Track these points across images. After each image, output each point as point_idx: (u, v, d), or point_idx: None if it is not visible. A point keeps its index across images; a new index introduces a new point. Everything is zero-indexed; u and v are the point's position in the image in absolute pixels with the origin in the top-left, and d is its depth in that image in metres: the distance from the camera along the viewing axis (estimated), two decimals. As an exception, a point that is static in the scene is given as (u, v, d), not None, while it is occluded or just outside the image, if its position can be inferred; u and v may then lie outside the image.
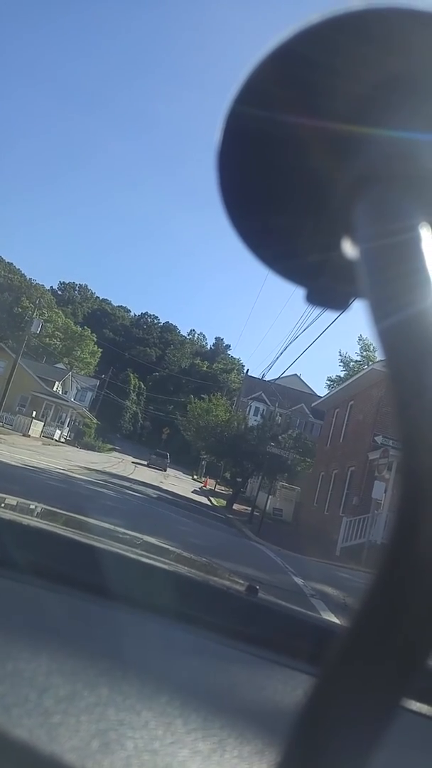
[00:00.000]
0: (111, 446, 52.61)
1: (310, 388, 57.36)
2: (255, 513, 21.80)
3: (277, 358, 33.71)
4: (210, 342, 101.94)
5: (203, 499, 26.86)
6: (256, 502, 24.17)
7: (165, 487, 25.18)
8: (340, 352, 50.10)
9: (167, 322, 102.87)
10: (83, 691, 0.49)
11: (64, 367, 56.93)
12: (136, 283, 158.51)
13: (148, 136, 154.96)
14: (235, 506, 25.67)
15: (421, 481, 0.19)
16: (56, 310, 74.89)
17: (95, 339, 75.21)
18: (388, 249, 0.22)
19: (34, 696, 0.46)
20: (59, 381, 48.72)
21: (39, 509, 1.36)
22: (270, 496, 22.15)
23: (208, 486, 38.76)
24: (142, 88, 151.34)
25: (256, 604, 0.90)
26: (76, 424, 49.21)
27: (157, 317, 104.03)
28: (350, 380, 23.35)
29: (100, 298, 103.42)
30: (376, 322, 0.21)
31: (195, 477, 48.73)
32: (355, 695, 0.20)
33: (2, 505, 1.23)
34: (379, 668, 0.19)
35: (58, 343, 67.73)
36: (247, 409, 60.25)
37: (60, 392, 48.58)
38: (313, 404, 32.27)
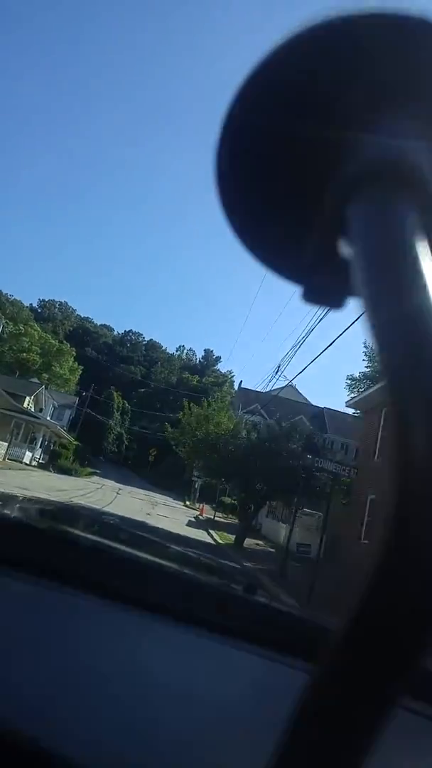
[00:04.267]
0: (91, 470, 46.45)
1: (305, 399, 52.01)
2: (269, 548, 15.89)
3: (284, 367, 27.85)
4: (199, 355, 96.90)
5: (202, 535, 20.76)
6: (262, 532, 18.36)
7: (152, 523, 19.14)
8: (365, 344, 44.58)
9: (151, 339, 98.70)
10: (79, 689, 0.50)
11: (39, 381, 50.64)
12: (119, 302, 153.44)
13: (137, 149, 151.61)
14: (256, 544, 19.73)
15: (416, 481, 0.19)
16: (32, 324, 69.41)
17: (74, 354, 69.63)
18: (382, 247, 0.22)
19: (32, 695, 0.47)
20: (30, 396, 42.55)
21: (31, 503, 1.31)
22: (290, 527, 15.97)
23: (204, 514, 32.57)
24: (131, 95, 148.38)
25: (254, 603, 0.92)
26: (51, 445, 43.01)
27: (141, 335, 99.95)
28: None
29: (82, 316, 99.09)
30: (371, 319, 0.21)
31: (188, 503, 42.57)
32: (351, 693, 0.20)
33: None
34: (374, 666, 0.19)
35: (36, 358, 61.98)
36: (242, 425, 54.76)
37: (32, 409, 42.47)
38: (347, 402, 25.84)
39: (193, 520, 28.12)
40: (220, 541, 19.44)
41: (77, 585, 0.69)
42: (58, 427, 43.77)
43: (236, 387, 57.50)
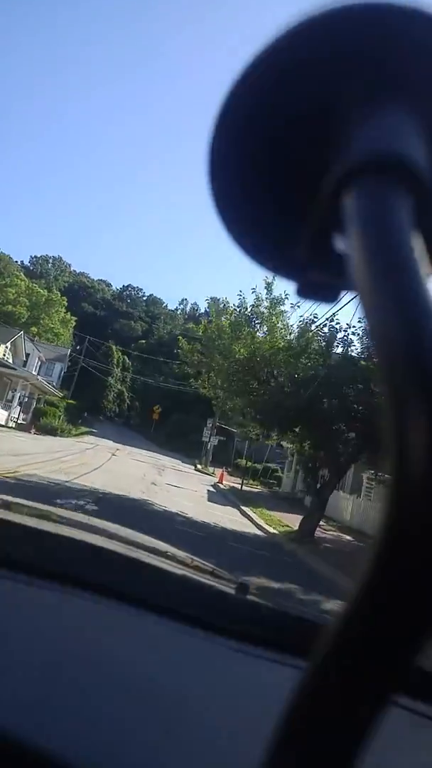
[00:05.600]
0: (87, 429, 39.54)
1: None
2: (347, 535, 8.51)
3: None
4: (204, 306, 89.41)
5: (235, 517, 13.59)
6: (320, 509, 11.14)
7: (160, 499, 11.91)
8: None
9: (152, 294, 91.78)
10: (71, 686, 0.50)
11: (18, 329, 43.04)
12: (116, 257, 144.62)
13: (131, 81, 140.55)
14: (322, 530, 12.34)
15: (413, 487, 0.18)
16: (17, 274, 61.84)
17: (65, 303, 62.12)
18: (376, 240, 0.22)
19: (25, 692, 0.47)
20: (6, 343, 35.13)
21: (19, 504, 1.30)
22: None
23: (224, 481, 25.50)
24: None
25: (246, 601, 0.93)
26: (35, 402, 35.86)
27: (141, 289, 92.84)
28: None
29: (77, 272, 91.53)
30: (367, 313, 0.21)
31: (199, 466, 35.55)
32: (344, 689, 0.20)
33: None
34: (367, 663, 0.19)
35: (23, 310, 54.63)
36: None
37: (9, 360, 35.24)
38: None
39: (212, 490, 21.06)
40: (272, 529, 12.22)
41: (69, 583, 0.71)
42: (40, 380, 36.27)
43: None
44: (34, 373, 37.65)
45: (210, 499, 16.69)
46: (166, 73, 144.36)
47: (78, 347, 58.99)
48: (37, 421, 31.84)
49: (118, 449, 28.69)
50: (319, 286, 0.30)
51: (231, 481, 26.59)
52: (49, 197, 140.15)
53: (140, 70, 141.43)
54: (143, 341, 73.50)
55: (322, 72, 0.26)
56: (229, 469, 32.40)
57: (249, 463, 36.55)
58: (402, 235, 0.22)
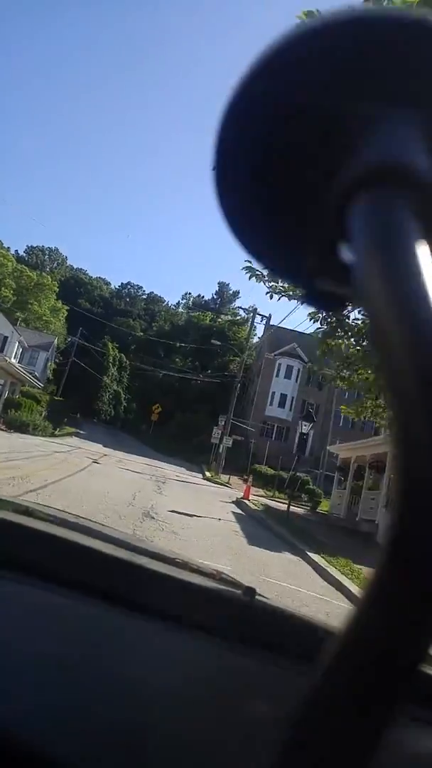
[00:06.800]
0: (72, 430, 32.68)
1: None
2: None
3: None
4: (212, 291, 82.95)
5: (330, 601, 6.71)
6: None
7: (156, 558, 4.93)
8: None
9: (152, 292, 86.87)
10: (79, 693, 0.51)
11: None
12: (115, 256, 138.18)
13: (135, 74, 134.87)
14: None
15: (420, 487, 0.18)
16: (5, 253, 55.26)
17: (56, 288, 55.57)
18: (381, 250, 0.22)
19: (30, 696, 0.48)
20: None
21: (39, 511, 1.32)
22: None
23: (250, 496, 18.43)
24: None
25: (253, 606, 0.93)
26: (7, 391, 28.90)
27: (141, 287, 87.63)
28: None
29: (75, 267, 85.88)
30: (372, 323, 0.21)
31: (209, 474, 28.56)
32: (352, 699, 0.19)
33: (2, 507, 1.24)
34: (375, 672, 0.19)
35: (8, 293, 48.12)
36: (275, 369, 41.42)
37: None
38: None
39: (240, 513, 14.06)
40: None
41: (73, 588, 0.71)
42: (10, 361, 29.16)
43: (257, 324, 42.85)
44: (12, 360, 30.65)
45: (250, 539, 9.64)
46: (171, 66, 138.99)
47: (69, 338, 52.47)
48: (5, 415, 24.96)
49: (104, 455, 21.80)
50: (327, 295, 0.30)
51: (254, 493, 19.60)
52: (50, 193, 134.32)
53: (145, 63, 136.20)
54: (142, 333, 67.11)
55: (322, 83, 0.26)
56: (245, 477, 25.43)
57: (272, 471, 29.78)
58: (407, 245, 0.22)
